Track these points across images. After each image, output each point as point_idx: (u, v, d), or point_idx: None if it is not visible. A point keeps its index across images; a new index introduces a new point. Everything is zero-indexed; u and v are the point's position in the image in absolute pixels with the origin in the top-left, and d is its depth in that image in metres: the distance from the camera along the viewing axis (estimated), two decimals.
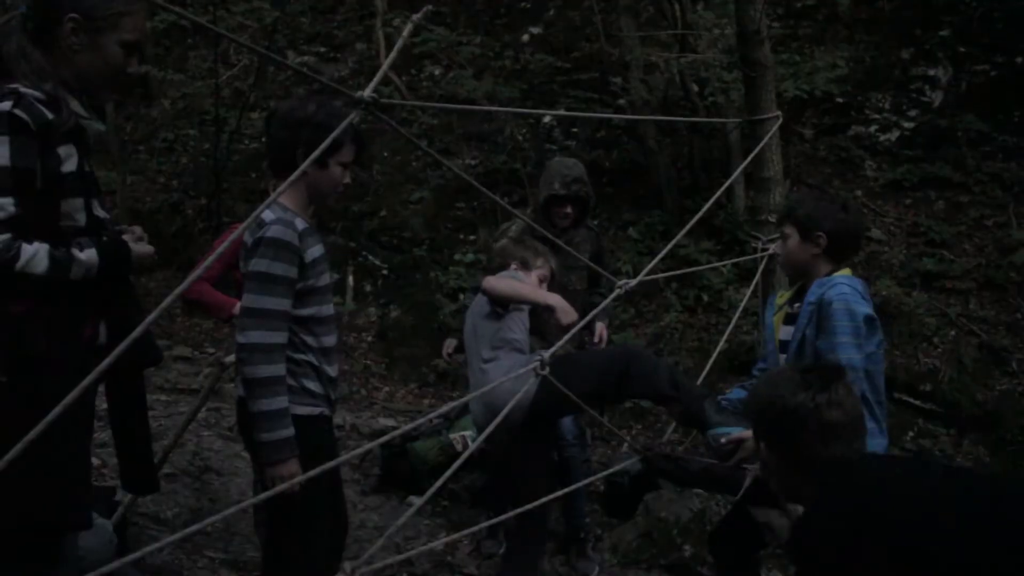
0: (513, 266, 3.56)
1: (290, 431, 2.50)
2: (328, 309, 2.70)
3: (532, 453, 3.44)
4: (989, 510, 1.68)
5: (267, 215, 2.54)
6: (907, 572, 1.62)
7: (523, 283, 3.44)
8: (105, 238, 2.11)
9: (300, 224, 2.58)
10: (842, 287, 2.89)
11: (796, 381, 1.96)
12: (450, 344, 4.35)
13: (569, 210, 4.05)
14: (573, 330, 2.84)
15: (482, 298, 3.45)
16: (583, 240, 4.15)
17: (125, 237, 2.16)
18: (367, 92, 1.79)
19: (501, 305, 3.36)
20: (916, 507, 1.70)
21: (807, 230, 2.98)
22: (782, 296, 3.25)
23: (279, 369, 2.51)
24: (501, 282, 3.38)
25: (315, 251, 2.62)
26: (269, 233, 2.51)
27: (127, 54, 2.10)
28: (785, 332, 3.13)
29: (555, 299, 3.29)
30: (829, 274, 2.99)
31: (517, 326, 3.38)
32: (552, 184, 4.01)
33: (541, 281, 3.55)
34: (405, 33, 2.06)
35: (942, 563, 1.61)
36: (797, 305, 3.05)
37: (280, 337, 2.51)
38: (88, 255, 1.99)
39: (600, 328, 4.15)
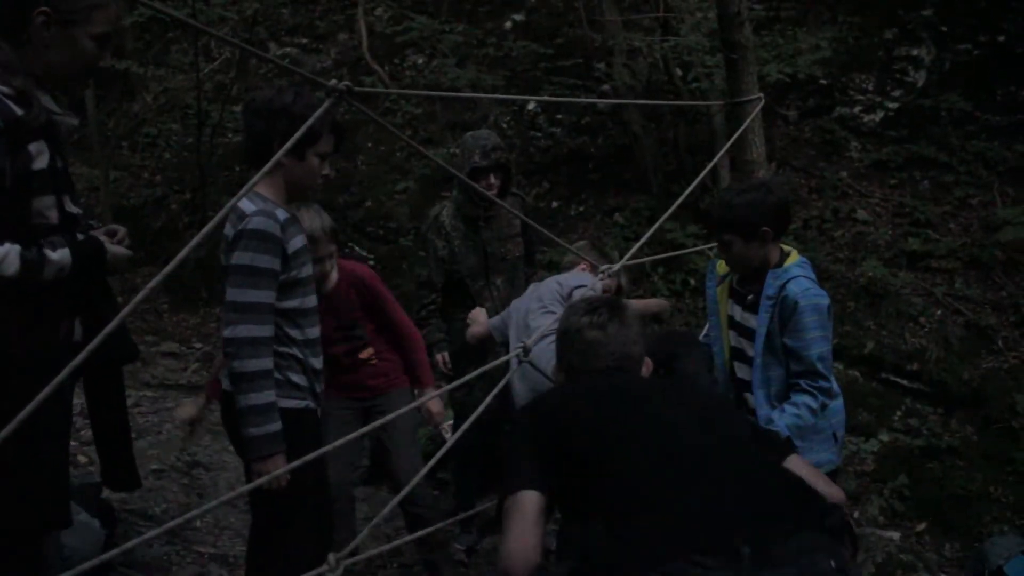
0: (581, 266, 3.58)
1: (278, 425, 2.48)
2: (312, 300, 2.69)
3: None
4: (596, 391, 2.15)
5: (247, 206, 2.51)
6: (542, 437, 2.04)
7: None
8: (80, 235, 2.08)
9: (281, 215, 2.56)
10: (801, 281, 2.93)
11: (581, 309, 2.35)
12: (446, 357, 4.26)
13: (493, 180, 4.03)
14: (553, 319, 2.84)
15: (534, 294, 3.46)
16: (510, 207, 4.17)
17: (102, 237, 2.12)
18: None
19: None
20: (559, 395, 2.23)
21: (750, 231, 2.96)
22: (722, 266, 3.24)
23: (266, 363, 2.49)
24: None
25: (297, 242, 2.60)
26: (251, 225, 2.48)
27: (99, 47, 2.06)
28: (732, 308, 3.15)
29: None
30: (781, 261, 3.00)
31: None
32: (472, 157, 3.99)
33: (604, 292, 3.54)
34: None
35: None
36: (751, 297, 3.05)
37: (267, 330, 2.50)
38: (61, 255, 1.95)
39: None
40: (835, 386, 3.05)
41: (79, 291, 2.05)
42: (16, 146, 1.90)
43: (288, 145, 1.85)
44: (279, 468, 2.40)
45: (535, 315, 3.35)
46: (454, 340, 4.22)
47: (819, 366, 2.89)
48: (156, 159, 9.72)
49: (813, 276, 3.00)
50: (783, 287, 2.93)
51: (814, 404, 2.89)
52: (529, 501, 1.92)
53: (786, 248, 3.07)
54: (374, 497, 4.91)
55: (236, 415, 2.49)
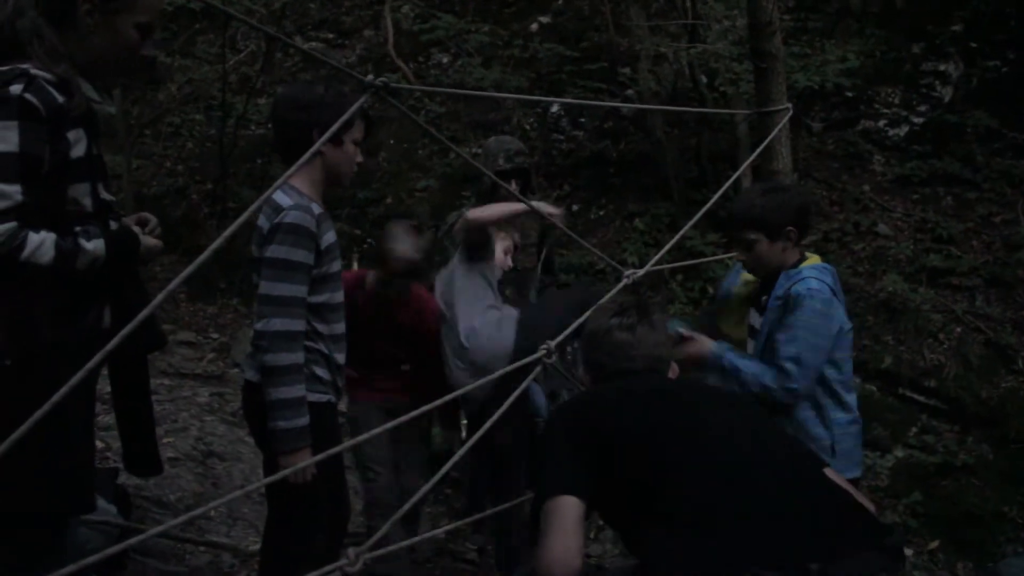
0: (500, 236, 3.55)
1: (306, 420, 2.50)
2: (339, 296, 2.70)
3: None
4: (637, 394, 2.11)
5: (283, 200, 2.52)
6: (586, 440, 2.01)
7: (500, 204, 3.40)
8: (114, 224, 2.09)
9: (316, 209, 2.57)
10: (809, 281, 2.86)
11: (609, 310, 2.32)
12: None
13: (513, 185, 4.03)
14: (578, 321, 2.83)
15: (457, 263, 3.39)
16: (528, 216, 4.16)
17: (134, 227, 2.13)
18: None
19: (482, 244, 3.31)
20: (602, 398, 2.16)
21: (775, 229, 2.91)
22: (745, 285, 3.22)
23: (299, 357, 2.51)
24: (485, 209, 3.33)
25: (330, 237, 2.61)
26: (288, 219, 2.49)
27: (141, 36, 2.06)
28: (752, 316, 3.12)
29: (540, 205, 3.30)
30: (796, 264, 2.97)
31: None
32: (496, 161, 4.01)
33: (506, 253, 3.55)
34: None
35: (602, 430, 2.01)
36: (765, 298, 3.02)
37: (300, 324, 2.51)
38: (95, 245, 1.95)
39: None
40: (851, 401, 2.95)
41: (109, 279, 2.05)
42: (56, 133, 1.90)
43: (330, 133, 1.90)
44: (305, 462, 2.40)
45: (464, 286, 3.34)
46: None
47: (788, 365, 2.76)
48: (179, 149, 9.77)
49: (829, 281, 2.91)
50: (790, 287, 2.89)
51: (771, 382, 2.77)
52: (569, 506, 1.89)
53: (807, 254, 3.04)
54: None
55: (262, 407, 2.50)
